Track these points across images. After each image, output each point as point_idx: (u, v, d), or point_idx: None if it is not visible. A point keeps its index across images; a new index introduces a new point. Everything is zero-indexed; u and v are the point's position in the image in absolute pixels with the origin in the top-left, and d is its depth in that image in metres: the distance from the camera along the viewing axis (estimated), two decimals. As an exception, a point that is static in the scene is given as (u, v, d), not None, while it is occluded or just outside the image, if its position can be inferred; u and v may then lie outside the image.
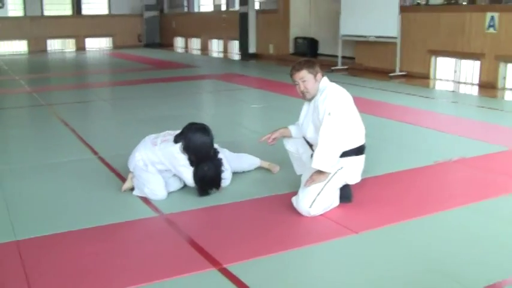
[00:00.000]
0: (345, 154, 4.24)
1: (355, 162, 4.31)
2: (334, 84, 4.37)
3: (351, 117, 4.23)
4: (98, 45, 24.57)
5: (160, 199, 4.61)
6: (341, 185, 4.34)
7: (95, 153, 6.14)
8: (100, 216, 4.28)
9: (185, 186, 4.84)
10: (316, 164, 4.12)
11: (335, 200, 4.33)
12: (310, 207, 4.13)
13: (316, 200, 4.14)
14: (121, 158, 5.45)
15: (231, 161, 5.18)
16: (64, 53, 22.53)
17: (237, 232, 3.96)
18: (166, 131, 4.91)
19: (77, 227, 4.06)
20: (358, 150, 4.32)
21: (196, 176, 4.59)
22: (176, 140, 4.66)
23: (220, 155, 4.79)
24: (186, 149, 4.60)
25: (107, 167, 5.61)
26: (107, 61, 18.97)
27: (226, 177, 4.88)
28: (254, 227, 4.05)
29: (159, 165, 4.72)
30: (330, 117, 4.08)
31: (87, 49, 24.02)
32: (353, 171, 4.31)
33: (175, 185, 4.82)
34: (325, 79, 4.37)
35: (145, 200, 4.62)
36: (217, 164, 4.68)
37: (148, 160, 4.74)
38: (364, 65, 14.09)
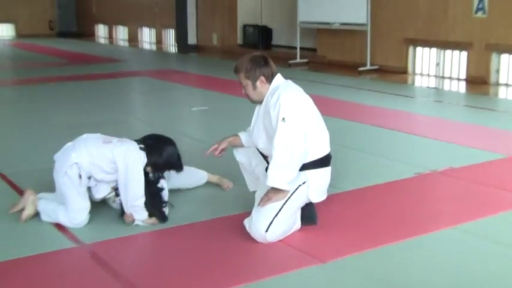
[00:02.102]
0: (306, 167, 4.24)
1: (319, 176, 4.32)
2: (289, 82, 4.39)
3: (311, 122, 4.24)
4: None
5: (78, 226, 4.52)
6: (303, 204, 4.35)
7: (-4, 169, 6.03)
8: (3, 249, 4.18)
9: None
10: (272, 182, 4.11)
11: (296, 222, 4.34)
12: (267, 231, 4.13)
13: (273, 223, 4.14)
14: (28, 175, 5.36)
15: (176, 178, 5.15)
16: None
17: (179, 264, 3.92)
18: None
19: (-26, 262, 3.97)
20: (323, 161, 4.33)
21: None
22: (141, 147, 4.62)
23: (164, 184, 4.77)
24: (154, 157, 4.62)
25: (10, 186, 5.49)
26: (8, 53, 18.69)
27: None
28: (200, 257, 4.02)
29: (99, 173, 4.58)
30: (285, 124, 4.07)
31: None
32: (317, 186, 4.32)
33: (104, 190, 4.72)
34: (278, 77, 4.37)
35: (61, 227, 4.53)
36: (155, 195, 4.66)
37: (87, 165, 4.58)
38: (328, 58, 14.23)
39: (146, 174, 4.61)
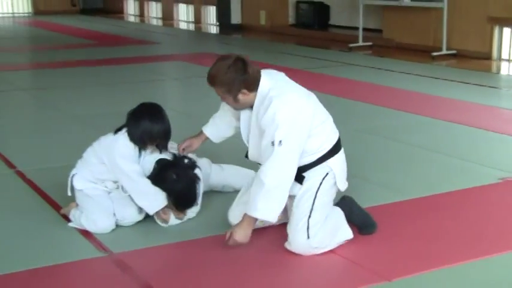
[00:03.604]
0: (326, 157, 4.32)
1: (340, 161, 4.42)
2: (278, 81, 4.36)
3: (316, 120, 4.29)
4: (10, 9, 24.39)
5: (102, 231, 4.61)
6: (333, 197, 4.41)
7: (12, 166, 6.13)
8: (21, 256, 4.27)
9: (148, 215, 4.81)
10: (259, 213, 4.12)
11: (339, 221, 4.36)
12: (309, 237, 4.16)
13: (310, 226, 4.17)
14: (48, 172, 5.43)
15: (224, 170, 5.31)
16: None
17: (214, 278, 3.97)
18: None
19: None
20: (337, 146, 4.42)
21: (164, 186, 4.65)
22: (116, 130, 4.73)
23: (197, 170, 4.85)
24: (135, 136, 4.67)
25: (29, 185, 5.60)
26: (25, 33, 18.89)
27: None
28: (238, 270, 4.07)
29: (94, 167, 4.74)
30: (281, 149, 4.08)
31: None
32: (341, 172, 4.41)
33: (131, 213, 4.79)
34: (264, 81, 4.31)
35: (88, 234, 4.61)
36: (192, 178, 4.74)
37: (85, 172, 4.77)
38: (395, 40, 14.17)
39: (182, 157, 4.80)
